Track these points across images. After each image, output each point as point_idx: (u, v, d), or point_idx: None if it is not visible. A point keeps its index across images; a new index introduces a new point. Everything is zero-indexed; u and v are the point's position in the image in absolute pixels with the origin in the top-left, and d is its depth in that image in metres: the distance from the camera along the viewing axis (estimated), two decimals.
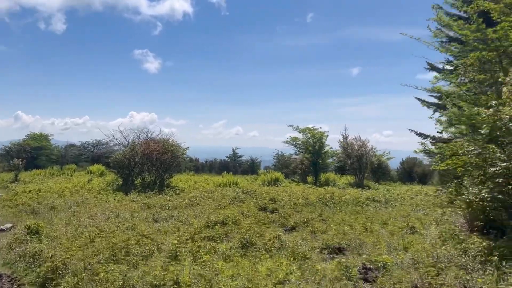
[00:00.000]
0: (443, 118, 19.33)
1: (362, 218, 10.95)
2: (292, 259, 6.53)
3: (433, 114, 19.90)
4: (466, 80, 8.20)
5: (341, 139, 28.49)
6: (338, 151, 28.23)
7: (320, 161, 24.70)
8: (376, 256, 6.27)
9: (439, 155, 9.25)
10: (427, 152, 14.34)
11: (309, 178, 24.67)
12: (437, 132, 20.15)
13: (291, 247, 6.95)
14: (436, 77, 9.55)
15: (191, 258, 6.61)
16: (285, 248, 7.05)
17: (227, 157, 47.88)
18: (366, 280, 5.43)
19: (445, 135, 19.55)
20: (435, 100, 18.22)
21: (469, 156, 6.76)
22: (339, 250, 7.16)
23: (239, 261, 6.29)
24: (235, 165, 46.27)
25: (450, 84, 18.53)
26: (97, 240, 8.24)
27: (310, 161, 24.45)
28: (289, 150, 32.76)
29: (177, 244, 7.05)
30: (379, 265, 5.90)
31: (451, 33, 18.02)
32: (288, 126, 30.04)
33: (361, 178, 21.89)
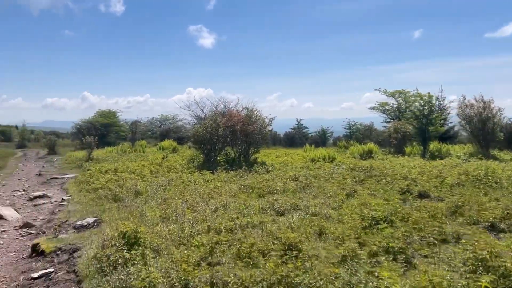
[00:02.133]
0: None
1: None
2: None
3: None
4: None
5: (436, 102, 24.11)
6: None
7: (430, 128, 20.64)
8: None
9: None
10: None
11: (408, 149, 20.85)
12: None
13: None
14: None
15: None
16: None
17: (291, 129, 44.92)
18: None
19: None
20: None
21: None
22: None
23: None
24: (301, 137, 43.24)
25: None
26: (218, 249, 5.42)
27: (417, 127, 20.49)
28: (364, 118, 29.06)
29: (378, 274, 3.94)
30: None
31: None
32: (375, 90, 26.25)
33: (486, 147, 17.73)
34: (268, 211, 7.80)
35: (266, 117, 17.56)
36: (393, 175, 11.24)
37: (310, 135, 44.11)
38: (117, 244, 5.05)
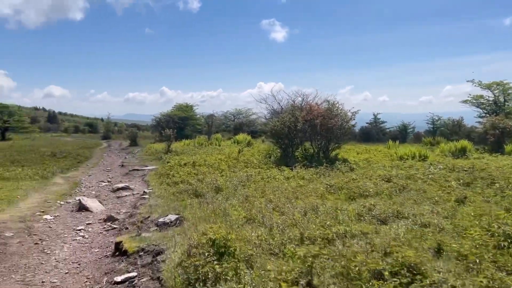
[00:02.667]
0: None
1: None
2: None
3: None
4: None
5: None
6: None
7: None
8: None
9: None
10: None
11: (508, 147, 18.31)
12: None
13: None
14: None
15: None
16: None
17: (367, 123, 42.78)
18: None
19: None
20: None
21: None
22: None
23: None
24: (378, 132, 41.01)
25: None
26: (318, 264, 4.57)
27: None
28: (444, 113, 26.48)
29: None
30: None
31: None
32: (468, 81, 23.62)
33: None
34: (366, 217, 6.79)
35: (349, 110, 16.28)
36: (505, 178, 9.56)
37: (388, 130, 41.73)
38: (205, 253, 4.42)
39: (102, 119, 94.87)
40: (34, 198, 10.63)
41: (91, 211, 9.57)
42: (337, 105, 15.93)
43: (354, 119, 16.33)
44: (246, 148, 21.42)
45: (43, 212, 9.18)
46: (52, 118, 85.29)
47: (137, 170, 16.91)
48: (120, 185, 12.65)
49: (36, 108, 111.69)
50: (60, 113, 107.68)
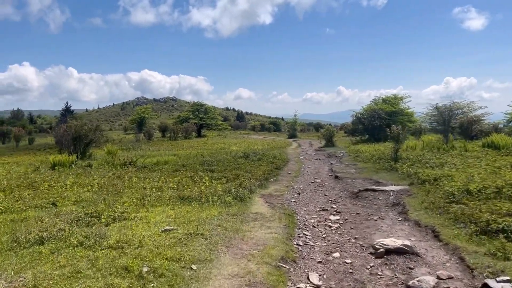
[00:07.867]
0: None
1: None
2: None
3: None
4: None
5: None
6: None
7: None
8: None
9: None
10: None
11: None
12: None
13: None
14: None
15: None
16: None
17: None
18: None
19: None
20: None
21: None
22: None
23: None
24: None
25: None
26: None
27: None
28: None
29: None
30: None
31: None
32: None
33: None
34: None
35: None
36: None
37: None
38: None
39: (282, 118, 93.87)
40: (224, 269, 4.43)
41: None
42: None
43: None
44: None
45: None
46: (240, 117, 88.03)
47: (374, 191, 9.77)
48: (390, 244, 5.54)
49: (227, 109, 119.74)
50: (246, 113, 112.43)
